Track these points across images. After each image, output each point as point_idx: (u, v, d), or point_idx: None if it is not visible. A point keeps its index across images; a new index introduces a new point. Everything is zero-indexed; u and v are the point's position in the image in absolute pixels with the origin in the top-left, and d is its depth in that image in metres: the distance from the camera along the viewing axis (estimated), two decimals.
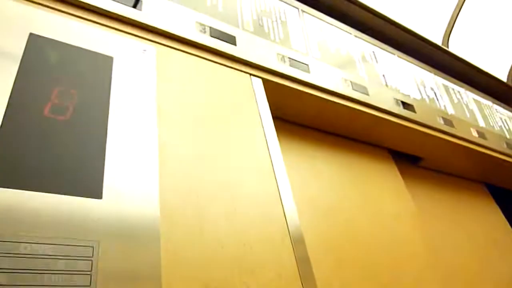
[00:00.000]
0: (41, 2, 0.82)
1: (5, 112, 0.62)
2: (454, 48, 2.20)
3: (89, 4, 0.87)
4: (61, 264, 0.52)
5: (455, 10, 2.12)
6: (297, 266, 0.80)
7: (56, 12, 0.83)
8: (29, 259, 0.51)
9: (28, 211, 0.55)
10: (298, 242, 0.84)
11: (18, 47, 0.71)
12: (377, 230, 1.29)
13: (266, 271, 0.75)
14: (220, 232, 0.74)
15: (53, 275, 0.51)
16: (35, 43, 0.74)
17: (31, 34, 0.75)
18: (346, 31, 1.60)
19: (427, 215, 1.62)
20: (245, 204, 0.81)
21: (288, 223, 0.85)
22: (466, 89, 2.13)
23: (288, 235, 0.83)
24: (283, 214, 0.86)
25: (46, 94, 0.68)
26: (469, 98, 2.09)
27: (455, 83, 2.07)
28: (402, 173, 1.61)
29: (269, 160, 0.94)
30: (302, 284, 0.77)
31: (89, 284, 0.53)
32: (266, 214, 0.83)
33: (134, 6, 0.95)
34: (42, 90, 0.68)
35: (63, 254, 0.53)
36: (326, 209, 1.21)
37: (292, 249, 0.82)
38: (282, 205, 0.88)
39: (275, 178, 0.91)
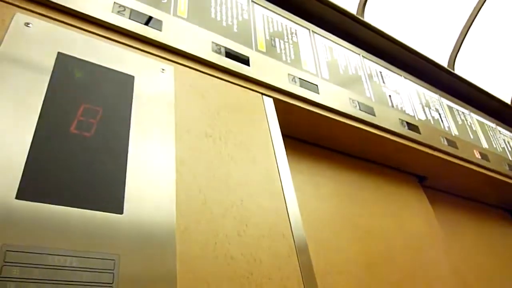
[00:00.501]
0: (68, 21, 0.86)
1: (36, 128, 0.66)
2: (460, 70, 2.24)
3: (112, 24, 0.92)
4: (86, 276, 0.56)
5: (461, 33, 2.17)
6: (302, 280, 0.83)
7: (82, 31, 0.87)
8: (57, 270, 0.54)
9: (56, 224, 0.58)
10: (303, 257, 0.87)
11: (48, 66, 0.76)
12: (403, 252, 1.37)
13: (273, 284, 0.78)
14: (231, 246, 0.78)
15: (78, 286, 0.54)
16: (63, 61, 0.78)
17: (59, 53, 0.79)
18: (354, 52, 1.65)
19: (452, 239, 1.69)
20: (255, 220, 0.85)
21: (295, 239, 0.89)
22: (471, 110, 2.16)
23: (295, 250, 0.87)
24: (290, 230, 0.90)
25: (73, 111, 0.72)
26: (473, 119, 2.12)
27: (459, 105, 2.11)
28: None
29: (278, 178, 0.97)
30: None
31: None
32: (274, 230, 0.87)
33: (147, 24, 0.99)
34: (69, 107, 0.72)
35: (87, 267, 0.57)
36: (338, 226, 1.24)
37: (298, 263, 0.85)
38: (290, 222, 0.91)
39: (284, 196, 0.95)
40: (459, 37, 2.17)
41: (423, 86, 1.93)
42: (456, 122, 1.95)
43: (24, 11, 0.82)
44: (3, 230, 0.54)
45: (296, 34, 1.42)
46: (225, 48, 1.11)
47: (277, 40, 1.32)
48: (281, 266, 0.81)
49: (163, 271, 0.65)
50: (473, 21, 2.22)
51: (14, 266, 0.52)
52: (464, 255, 1.72)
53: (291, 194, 0.96)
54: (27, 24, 0.79)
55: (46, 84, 0.73)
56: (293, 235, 0.88)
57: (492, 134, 2.17)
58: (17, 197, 0.58)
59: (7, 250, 0.52)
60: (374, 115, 1.44)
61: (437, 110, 1.88)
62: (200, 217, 0.77)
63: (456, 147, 1.75)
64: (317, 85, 1.30)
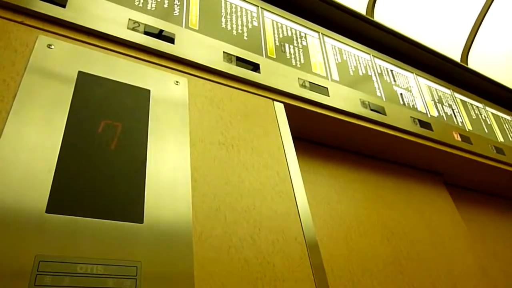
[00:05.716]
0: (87, 40, 0.92)
1: (61, 145, 0.72)
2: (473, 64, 2.22)
3: (128, 40, 0.97)
4: (110, 283, 0.61)
5: (473, 26, 2.15)
6: (315, 282, 0.87)
7: (100, 49, 0.92)
8: (85, 278, 0.60)
9: (83, 235, 0.64)
10: (315, 259, 0.91)
11: (69, 85, 0.81)
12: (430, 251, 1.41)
13: (286, 286, 0.82)
14: (245, 250, 0.82)
15: None
16: (83, 80, 0.83)
17: (79, 72, 0.84)
18: (364, 52, 1.66)
19: (476, 235, 1.72)
20: (268, 224, 0.89)
21: (306, 242, 0.92)
22: (485, 104, 2.15)
23: (307, 253, 0.91)
24: (302, 233, 0.94)
25: (95, 127, 0.78)
26: (488, 113, 2.11)
27: (473, 99, 2.10)
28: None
29: (290, 182, 1.01)
30: None
31: None
32: (286, 233, 0.91)
33: (160, 38, 1.03)
34: (91, 124, 0.78)
35: (112, 274, 0.62)
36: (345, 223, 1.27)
37: (310, 265, 0.89)
38: (301, 225, 0.95)
39: (295, 199, 0.99)
40: (471, 31, 2.15)
41: (435, 82, 1.93)
42: (470, 116, 1.95)
43: (46, 33, 0.87)
44: (36, 242, 0.59)
45: (305, 38, 1.45)
46: (236, 57, 1.15)
47: (286, 45, 1.35)
48: (294, 269, 0.85)
49: (181, 276, 0.69)
50: (485, 13, 2.20)
51: (46, 275, 0.57)
52: (489, 251, 1.73)
53: (302, 198, 1.00)
54: (49, 46, 0.84)
55: (69, 103, 0.78)
56: (305, 238, 0.92)
57: (507, 127, 2.16)
58: (47, 211, 0.63)
59: (40, 261, 0.58)
60: (385, 114, 1.46)
61: (450, 106, 1.88)
62: (215, 223, 0.81)
63: (470, 142, 1.75)
64: (327, 88, 1.33)
